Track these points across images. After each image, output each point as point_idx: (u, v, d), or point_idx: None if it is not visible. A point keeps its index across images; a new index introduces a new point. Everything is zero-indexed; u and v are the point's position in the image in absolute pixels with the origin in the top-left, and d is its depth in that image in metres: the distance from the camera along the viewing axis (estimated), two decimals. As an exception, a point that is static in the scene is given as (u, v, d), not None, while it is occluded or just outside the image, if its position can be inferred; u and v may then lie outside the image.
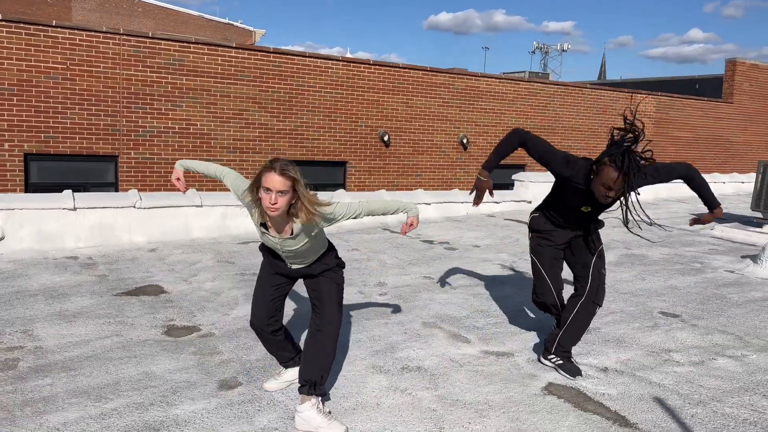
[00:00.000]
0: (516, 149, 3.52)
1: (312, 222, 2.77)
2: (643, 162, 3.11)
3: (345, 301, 4.70)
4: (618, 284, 5.54)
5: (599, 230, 3.70)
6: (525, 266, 6.17)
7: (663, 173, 3.38)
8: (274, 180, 2.62)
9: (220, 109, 10.33)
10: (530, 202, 9.83)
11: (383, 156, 12.00)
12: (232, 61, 10.33)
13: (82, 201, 6.49)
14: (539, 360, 3.74)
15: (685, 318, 4.66)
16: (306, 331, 3.33)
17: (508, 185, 12.33)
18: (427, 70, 12.21)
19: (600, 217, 3.65)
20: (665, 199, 12.39)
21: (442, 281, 5.54)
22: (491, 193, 3.66)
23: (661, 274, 5.96)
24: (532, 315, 4.68)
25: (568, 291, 3.73)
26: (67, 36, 9.08)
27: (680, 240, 7.68)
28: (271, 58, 10.68)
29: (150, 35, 9.69)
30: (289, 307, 4.65)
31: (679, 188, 12.46)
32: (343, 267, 3.14)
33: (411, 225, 3.08)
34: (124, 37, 9.48)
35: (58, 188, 8.87)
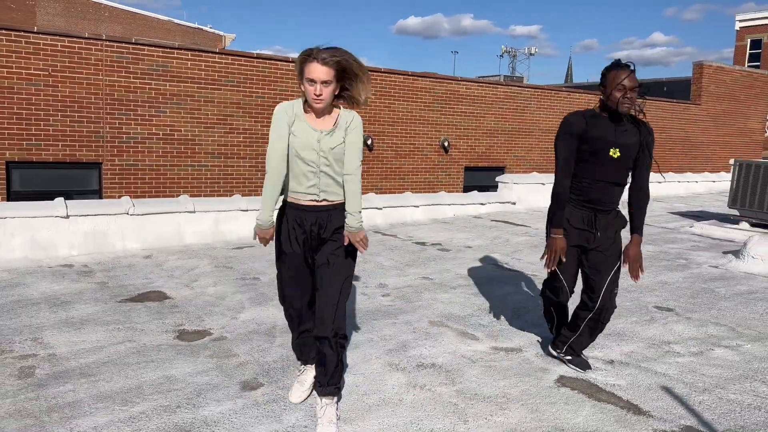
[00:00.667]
0: (565, 195, 3.38)
1: (360, 99, 2.72)
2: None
3: (350, 302, 4.79)
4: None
5: (620, 232, 3.51)
6: (519, 265, 6.32)
7: (650, 140, 3.41)
8: (317, 70, 2.56)
9: (204, 114, 10.31)
10: (515, 204, 10.02)
11: (367, 160, 12.09)
12: (216, 66, 10.32)
13: (74, 208, 6.44)
14: (549, 353, 3.87)
15: (678, 311, 4.85)
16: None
17: (491, 187, 12.54)
18: (408, 75, 12.35)
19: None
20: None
21: (442, 281, 5.65)
22: (564, 256, 3.37)
23: (650, 270, 6.17)
24: (532, 312, 4.81)
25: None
26: (49, 42, 8.97)
27: (663, 237, 7.93)
28: (255, 63, 10.69)
29: (133, 41, 9.63)
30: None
31: (654, 187, 12.80)
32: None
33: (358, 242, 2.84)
34: (107, 43, 9.40)
35: (40, 196, 8.76)
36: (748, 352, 4.01)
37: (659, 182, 12.65)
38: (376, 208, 8.61)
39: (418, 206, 8.98)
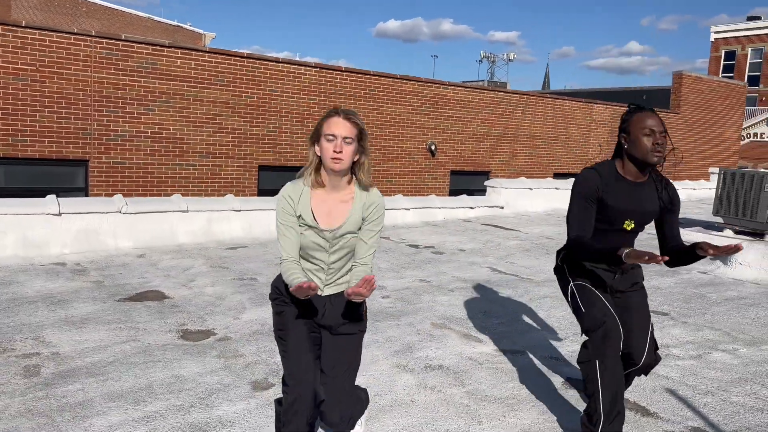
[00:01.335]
0: (587, 236, 2.74)
1: (370, 186, 2.41)
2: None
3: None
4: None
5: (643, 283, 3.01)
6: (513, 269, 6.39)
7: (675, 202, 2.87)
8: (339, 124, 2.28)
9: (193, 113, 10.23)
10: (503, 208, 10.12)
11: (355, 162, 12.10)
12: (206, 65, 10.26)
13: (67, 206, 6.35)
14: None
15: (674, 316, 4.95)
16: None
17: (476, 191, 12.64)
18: (397, 78, 12.40)
19: None
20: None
21: (439, 284, 5.69)
22: (653, 256, 2.34)
23: (642, 275, 6.28)
24: (532, 315, 4.88)
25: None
26: (37, 37, 8.83)
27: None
28: (245, 63, 10.64)
29: (123, 38, 9.52)
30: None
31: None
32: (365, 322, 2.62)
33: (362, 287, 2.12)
34: (96, 39, 9.29)
35: (25, 194, 8.61)
36: (745, 356, 4.11)
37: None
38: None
39: (409, 209, 9.02)
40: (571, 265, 2.93)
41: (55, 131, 9.10)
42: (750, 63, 41.50)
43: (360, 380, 3.50)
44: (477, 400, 3.34)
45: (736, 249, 2.40)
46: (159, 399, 3.20)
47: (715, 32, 43.01)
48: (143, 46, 9.69)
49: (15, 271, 5.59)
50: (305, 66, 11.33)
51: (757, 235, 8.21)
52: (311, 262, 2.43)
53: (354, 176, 2.41)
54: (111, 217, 6.59)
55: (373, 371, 3.66)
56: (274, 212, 7.80)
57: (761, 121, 36.70)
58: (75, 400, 3.15)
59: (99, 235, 6.52)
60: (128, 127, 9.67)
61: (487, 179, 13.21)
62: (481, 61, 69.71)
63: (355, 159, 2.35)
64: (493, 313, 4.87)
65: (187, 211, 7.08)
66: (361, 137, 2.34)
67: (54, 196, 6.51)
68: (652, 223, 2.90)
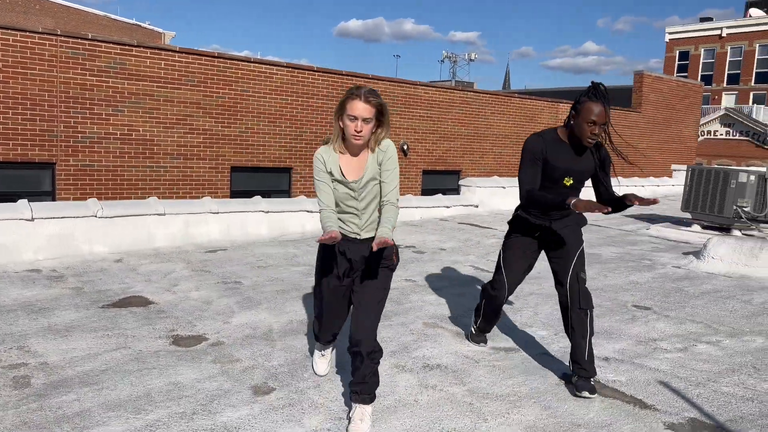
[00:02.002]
0: (536, 189, 3.37)
1: (386, 141, 2.88)
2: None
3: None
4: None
5: (581, 227, 3.60)
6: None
7: (607, 162, 3.52)
8: (359, 107, 2.69)
9: (163, 114, 10.03)
10: (477, 206, 10.22)
11: (327, 162, 12.04)
12: (176, 65, 10.07)
13: (39, 211, 6.16)
14: (575, 394, 3.44)
15: (656, 310, 5.08)
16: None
17: (448, 190, 12.73)
18: (368, 78, 12.39)
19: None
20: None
21: (425, 283, 5.71)
22: (600, 206, 2.94)
23: (620, 271, 6.43)
24: (521, 313, 4.94)
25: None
26: (0, 36, 8.54)
27: (624, 239, 8.27)
28: (216, 63, 10.49)
29: (90, 37, 9.28)
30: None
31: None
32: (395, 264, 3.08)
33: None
34: (62, 38, 9.02)
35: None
36: (728, 347, 4.24)
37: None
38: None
39: (385, 209, 9.02)
40: (513, 222, 3.67)
41: (20, 133, 8.81)
42: (703, 63, 42.81)
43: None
44: (479, 398, 3.36)
45: (654, 201, 3.02)
46: (159, 407, 3.13)
47: (670, 33, 44.23)
48: (111, 45, 9.46)
49: (-12, 278, 5.39)
50: (277, 66, 11.23)
51: (723, 229, 8.48)
52: (347, 211, 2.95)
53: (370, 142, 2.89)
54: (86, 221, 6.42)
55: (372, 372, 3.64)
56: (250, 214, 7.72)
57: (714, 119, 37.94)
58: (72, 411, 3.06)
59: (74, 240, 6.34)
60: (96, 128, 9.42)
61: (459, 178, 13.33)
62: (443, 61, 70.25)
63: (374, 131, 2.84)
64: (483, 311, 4.90)
65: (164, 214, 6.95)
66: (381, 113, 2.79)
67: (26, 201, 6.30)
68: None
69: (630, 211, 11.55)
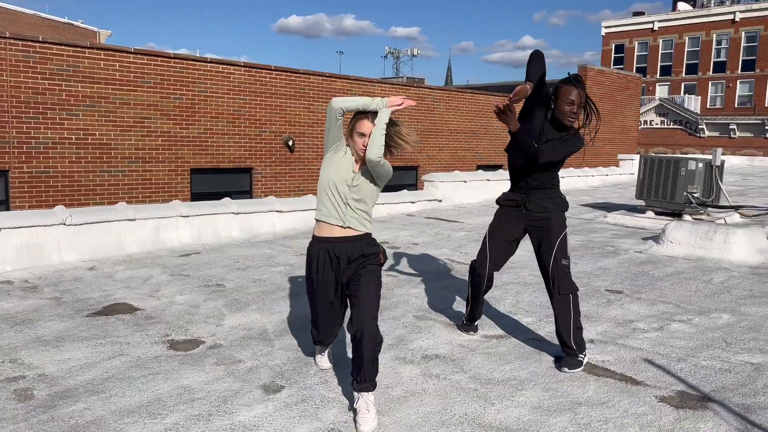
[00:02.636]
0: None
1: (407, 141, 3.15)
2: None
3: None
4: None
5: (564, 212, 3.81)
6: (470, 259, 6.64)
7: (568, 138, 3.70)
8: (367, 125, 3.08)
9: (120, 117, 9.82)
10: (441, 201, 10.42)
11: (288, 161, 12.03)
12: (131, 67, 9.86)
13: (5, 220, 5.97)
14: (559, 369, 3.73)
15: (628, 293, 5.36)
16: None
17: (407, 185, 12.90)
18: (326, 76, 12.43)
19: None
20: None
21: (406, 278, 5.84)
22: (522, 97, 3.55)
23: (587, 258, 6.72)
24: (504, 302, 5.13)
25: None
26: (-55, 39, 8.18)
27: (585, 228, 8.62)
28: (172, 64, 10.33)
29: (41, 39, 8.98)
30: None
31: (567, 182, 13.74)
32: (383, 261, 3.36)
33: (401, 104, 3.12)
34: (11, 41, 8.72)
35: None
36: (699, 325, 4.54)
37: (562, 177, 13.62)
38: (313, 209, 8.63)
39: (353, 206, 9.10)
40: (499, 200, 3.97)
41: (-30, 141, 8.47)
42: (637, 55, 44.50)
43: (366, 375, 3.58)
44: (482, 383, 3.51)
45: (517, 92, 3.46)
46: (174, 411, 3.14)
47: (606, 27, 45.77)
48: (63, 47, 9.19)
49: (-42, 292, 5.21)
50: (234, 65, 11.13)
51: (675, 215, 8.94)
52: (335, 196, 3.16)
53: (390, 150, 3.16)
54: (54, 229, 6.25)
55: (375, 365, 3.74)
56: (220, 216, 7.66)
57: (650, 109, 39.54)
58: (84, 420, 3.04)
59: (42, 249, 6.17)
60: (51, 133, 9.15)
61: (417, 174, 13.51)
62: (386, 56, 70.56)
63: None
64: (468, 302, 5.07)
65: (134, 220, 6.84)
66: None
67: (-10, 210, 6.09)
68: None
69: (583, 199, 12.00)
